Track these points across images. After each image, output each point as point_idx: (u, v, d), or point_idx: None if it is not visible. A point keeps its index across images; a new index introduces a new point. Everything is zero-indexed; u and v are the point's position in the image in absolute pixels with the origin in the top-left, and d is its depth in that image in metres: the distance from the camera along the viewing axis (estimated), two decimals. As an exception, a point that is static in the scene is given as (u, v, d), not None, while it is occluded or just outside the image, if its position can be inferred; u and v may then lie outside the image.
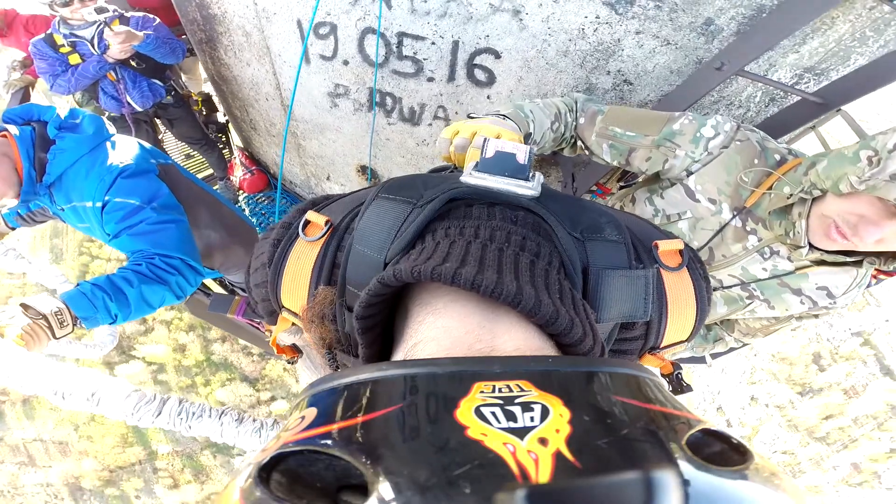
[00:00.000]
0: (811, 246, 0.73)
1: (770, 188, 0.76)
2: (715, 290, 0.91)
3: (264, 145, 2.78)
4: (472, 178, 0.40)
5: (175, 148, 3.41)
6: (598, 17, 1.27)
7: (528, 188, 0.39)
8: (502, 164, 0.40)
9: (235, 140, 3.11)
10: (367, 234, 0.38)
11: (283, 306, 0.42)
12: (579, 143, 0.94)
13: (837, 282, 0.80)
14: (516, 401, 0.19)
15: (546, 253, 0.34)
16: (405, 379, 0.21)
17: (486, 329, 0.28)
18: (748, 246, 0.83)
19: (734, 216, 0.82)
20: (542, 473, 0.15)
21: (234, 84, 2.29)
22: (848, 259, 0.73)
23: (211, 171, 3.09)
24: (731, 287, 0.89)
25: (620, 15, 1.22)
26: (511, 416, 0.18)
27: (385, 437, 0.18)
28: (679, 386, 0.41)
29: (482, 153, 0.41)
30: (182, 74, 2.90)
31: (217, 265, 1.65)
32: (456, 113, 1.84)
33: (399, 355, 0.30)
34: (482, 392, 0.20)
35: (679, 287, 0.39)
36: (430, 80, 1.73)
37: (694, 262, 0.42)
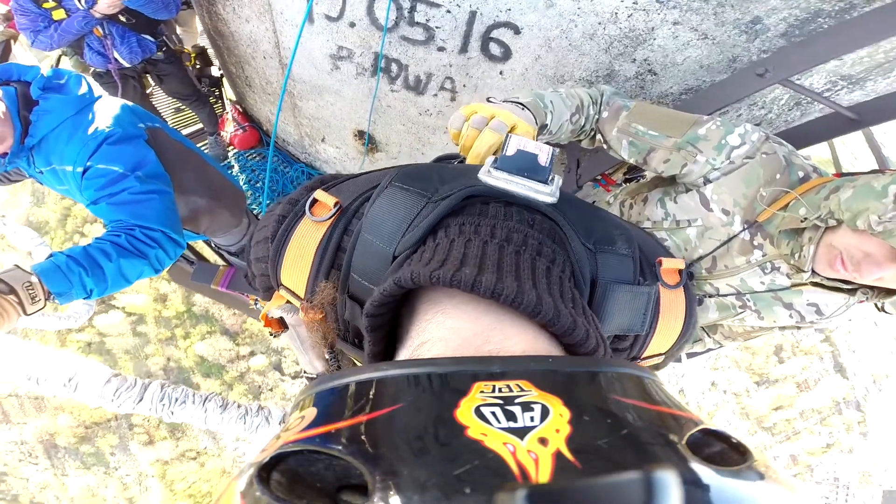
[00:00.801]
0: (813, 271, 0.72)
1: (786, 207, 0.74)
2: (710, 296, 0.91)
3: (259, 102, 2.59)
4: (490, 177, 0.38)
5: (164, 101, 3.17)
6: (635, 3, 1.14)
7: (547, 194, 0.37)
8: (523, 163, 0.38)
9: (229, 94, 2.89)
10: (378, 224, 0.36)
11: (282, 284, 0.41)
12: (599, 136, 0.89)
13: (828, 301, 0.80)
14: (516, 401, 0.19)
15: (560, 261, 0.33)
16: (405, 379, 0.21)
17: (496, 331, 0.27)
18: (752, 260, 0.82)
19: (744, 229, 0.80)
20: (542, 473, 0.15)
21: (230, 40, 2.09)
22: (843, 286, 0.73)
23: (201, 125, 2.91)
24: (726, 295, 0.89)
25: (661, 3, 1.10)
26: (511, 416, 0.18)
27: (385, 437, 0.18)
28: None
29: (503, 150, 0.39)
30: (178, 27, 2.63)
31: (203, 229, 1.59)
32: (464, 86, 1.72)
33: (405, 353, 0.29)
34: (482, 392, 0.19)
35: (673, 305, 0.40)
36: (441, 49, 1.58)
37: (688, 283, 0.42)
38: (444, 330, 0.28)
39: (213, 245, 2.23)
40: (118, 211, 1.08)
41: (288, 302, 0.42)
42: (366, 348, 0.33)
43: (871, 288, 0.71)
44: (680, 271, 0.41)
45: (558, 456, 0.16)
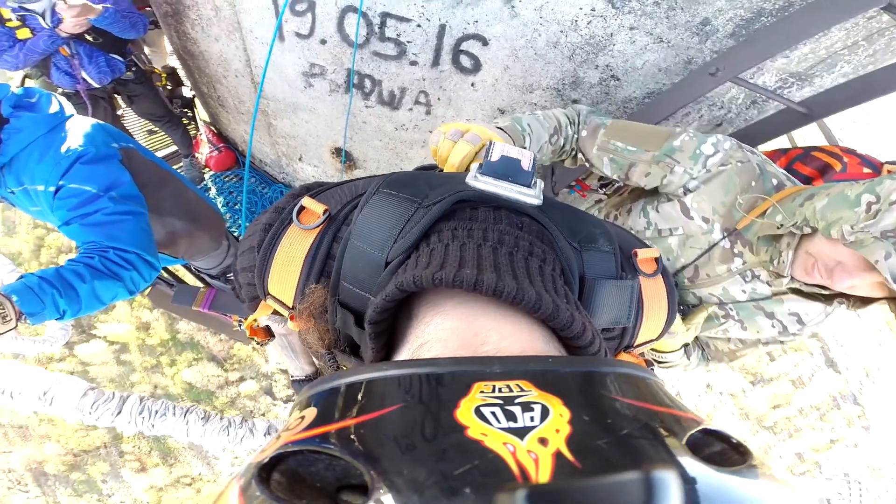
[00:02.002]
0: (792, 277, 0.73)
1: (763, 214, 0.75)
2: (693, 306, 0.92)
3: (233, 122, 2.56)
4: (477, 181, 0.39)
5: (136, 124, 3.10)
6: (593, 10, 1.19)
7: (531, 196, 0.38)
8: (507, 168, 0.39)
9: (202, 114, 2.85)
10: (368, 230, 0.36)
11: (269, 293, 0.40)
12: (580, 155, 0.91)
13: (808, 310, 0.82)
14: (516, 401, 0.19)
15: (551, 259, 0.34)
16: (405, 379, 0.21)
17: (493, 331, 0.27)
18: (732, 268, 0.83)
19: (724, 237, 0.82)
20: (542, 473, 0.15)
21: (201, 59, 2.08)
22: (822, 293, 0.73)
23: (175, 147, 2.85)
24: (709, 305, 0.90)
25: (617, 9, 1.16)
26: (511, 416, 0.18)
27: (385, 437, 0.18)
28: None
29: (487, 156, 0.40)
30: (146, 47, 2.62)
31: (181, 252, 1.54)
32: (438, 99, 1.74)
33: (404, 355, 0.29)
34: (482, 392, 0.19)
35: (654, 292, 0.42)
36: (413, 63, 1.61)
37: (666, 270, 0.44)
38: (443, 331, 0.28)
39: (192, 269, 2.17)
40: (91, 232, 1.05)
41: (275, 311, 0.42)
42: (367, 357, 0.33)
43: (847, 297, 0.71)
44: (656, 259, 0.43)
45: (558, 456, 0.16)
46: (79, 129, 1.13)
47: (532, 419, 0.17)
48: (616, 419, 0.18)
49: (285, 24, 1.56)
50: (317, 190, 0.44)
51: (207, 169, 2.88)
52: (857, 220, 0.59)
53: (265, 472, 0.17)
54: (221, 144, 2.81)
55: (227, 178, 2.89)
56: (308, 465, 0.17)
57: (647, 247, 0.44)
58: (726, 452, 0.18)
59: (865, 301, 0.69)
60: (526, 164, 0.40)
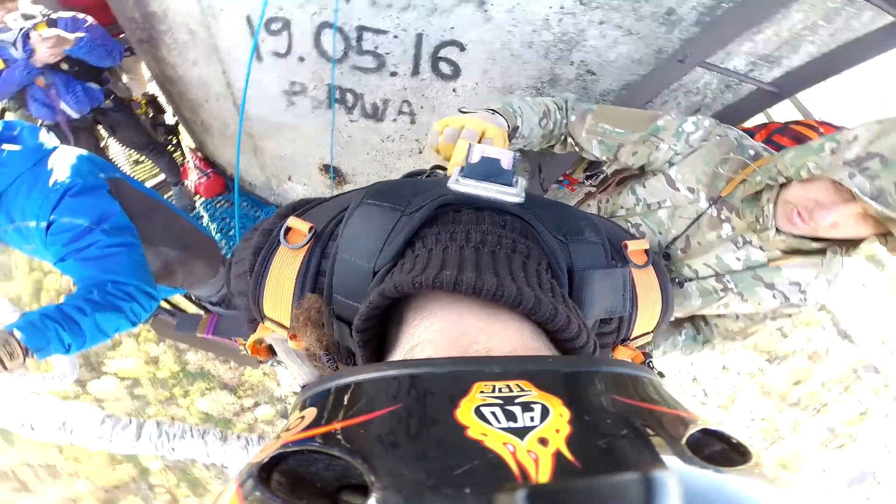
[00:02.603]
0: (778, 230, 0.75)
1: (744, 180, 0.79)
2: (690, 280, 0.92)
3: (219, 147, 2.56)
4: (459, 184, 0.39)
5: (121, 154, 3.08)
6: (562, 8, 1.23)
7: (513, 195, 0.39)
8: (487, 169, 0.40)
9: (188, 141, 2.84)
10: (355, 242, 0.36)
11: (266, 316, 0.40)
12: (569, 140, 0.95)
13: (808, 277, 0.82)
14: (516, 401, 0.19)
15: (535, 254, 0.34)
16: (405, 379, 0.21)
17: (482, 331, 0.27)
18: (722, 234, 0.86)
19: (710, 205, 0.85)
20: (542, 473, 0.15)
21: (180, 84, 2.08)
22: (813, 245, 0.75)
23: (163, 176, 2.83)
24: (706, 278, 0.90)
25: (585, 5, 1.19)
26: (511, 416, 0.18)
27: (385, 436, 0.18)
28: None
29: (468, 159, 0.41)
30: (123, 75, 2.60)
31: (179, 282, 1.53)
32: (421, 107, 1.76)
33: (396, 358, 0.29)
34: (482, 392, 0.19)
35: (646, 283, 0.42)
36: (394, 74, 1.63)
37: (658, 260, 0.44)
38: (433, 333, 0.28)
39: (193, 298, 2.16)
40: (87, 267, 1.05)
41: (273, 333, 0.42)
42: (359, 364, 0.33)
43: (839, 244, 0.73)
44: (646, 251, 0.43)
45: (558, 456, 0.16)
46: (64, 160, 1.12)
47: (532, 419, 0.17)
48: (616, 419, 0.18)
49: (262, 43, 1.57)
50: (303, 208, 0.44)
51: (198, 196, 2.86)
52: (821, 160, 0.65)
53: (265, 472, 0.17)
54: (210, 170, 2.79)
55: (218, 205, 2.86)
56: (308, 465, 0.17)
57: (637, 238, 0.45)
58: (726, 452, 0.18)
59: (854, 243, 0.71)
60: (506, 163, 0.40)
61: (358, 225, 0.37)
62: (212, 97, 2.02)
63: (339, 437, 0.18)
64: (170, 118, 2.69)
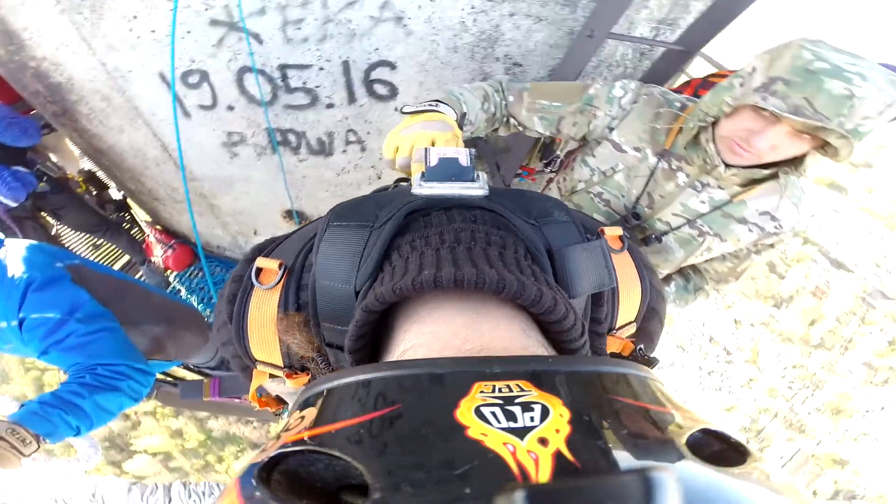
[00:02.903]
0: (727, 165, 0.78)
1: (680, 129, 0.82)
2: (665, 233, 0.92)
3: (174, 214, 2.44)
4: (422, 189, 0.38)
5: (76, 240, 2.86)
6: (473, 7, 1.20)
7: (477, 188, 0.38)
8: (447, 169, 0.39)
9: (142, 215, 2.73)
10: (330, 267, 0.34)
11: (257, 360, 0.39)
12: (512, 121, 0.94)
13: (773, 203, 0.83)
14: (516, 401, 0.18)
15: (511, 243, 0.33)
16: (405, 379, 0.20)
17: (472, 329, 0.26)
18: (679, 183, 0.87)
19: (659, 159, 0.86)
20: (542, 473, 0.15)
21: (113, 155, 1.90)
22: (765, 172, 0.78)
23: (128, 256, 2.61)
24: (680, 227, 0.90)
25: (492, 1, 1.17)
26: (511, 416, 0.17)
27: (385, 437, 0.17)
28: (644, 361, 0.40)
29: (426, 163, 0.40)
30: (50, 154, 2.35)
31: (173, 355, 1.47)
32: (368, 133, 1.70)
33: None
34: (482, 392, 0.19)
35: (624, 268, 0.40)
36: (330, 106, 1.57)
37: (633, 247, 0.43)
38: (423, 336, 0.27)
39: (191, 367, 2.09)
40: (71, 355, 1.03)
41: (271, 375, 0.40)
42: None
43: (784, 164, 0.76)
44: (620, 237, 0.42)
45: (558, 456, 0.15)
46: (15, 254, 1.06)
47: (532, 419, 0.17)
48: (616, 419, 0.18)
49: (185, 99, 1.44)
50: (269, 248, 0.42)
51: (169, 271, 2.63)
52: (734, 94, 0.71)
53: (265, 472, 0.16)
54: (173, 241, 2.56)
55: (192, 275, 2.64)
56: (308, 465, 0.17)
57: (614, 217, 0.41)
58: (726, 452, 0.18)
59: (799, 160, 0.74)
60: (464, 160, 0.40)
61: (330, 249, 0.35)
62: (150, 163, 1.85)
63: (340, 437, 0.17)
64: (115, 193, 2.55)
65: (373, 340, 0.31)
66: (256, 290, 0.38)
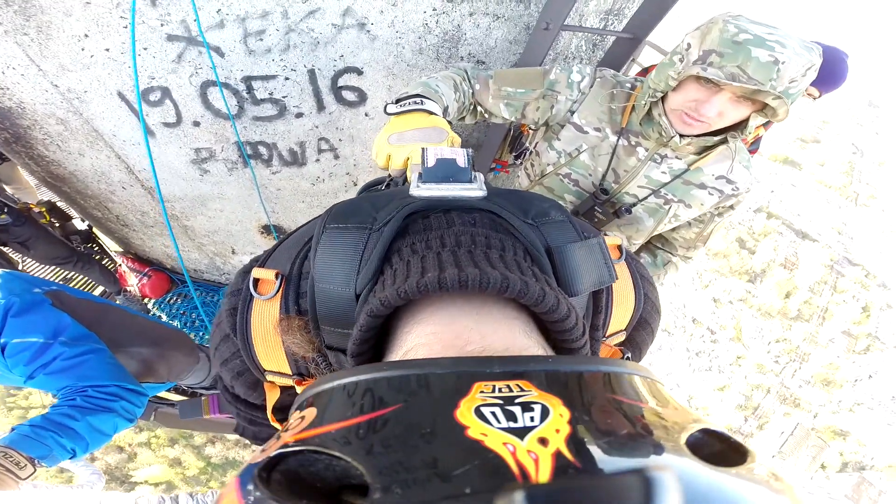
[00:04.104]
0: (681, 136, 0.83)
1: (633, 107, 0.88)
2: (634, 205, 0.97)
3: (146, 240, 2.34)
4: (420, 190, 0.38)
5: (46, 274, 2.73)
6: (434, 9, 1.22)
7: (475, 189, 0.38)
8: (445, 170, 0.39)
9: (110, 244, 2.61)
10: (329, 270, 0.34)
11: (266, 370, 0.39)
12: (479, 108, 0.96)
13: (726, 167, 0.90)
14: (516, 401, 0.18)
15: (510, 245, 0.33)
16: (406, 379, 0.20)
17: (474, 331, 0.27)
18: (640, 157, 0.92)
19: (618, 137, 0.91)
20: (542, 473, 0.14)
21: (75, 181, 1.81)
22: (715, 139, 0.83)
23: (101, 287, 2.48)
24: (647, 198, 0.96)
25: (452, 2, 1.19)
26: (511, 416, 0.17)
27: (385, 436, 0.17)
28: None
29: (423, 163, 0.40)
30: (5, 187, 2.24)
31: (165, 376, 1.44)
32: (340, 140, 1.69)
33: None
34: (482, 392, 0.19)
35: (620, 277, 0.41)
36: (299, 115, 1.56)
37: (630, 257, 0.43)
38: (425, 336, 0.27)
39: (185, 389, 2.06)
40: (59, 379, 1.02)
41: (282, 387, 0.40)
42: None
43: (731, 129, 0.81)
44: (619, 247, 0.42)
45: (558, 456, 0.15)
46: None
47: (532, 419, 0.17)
48: (616, 419, 0.18)
49: (148, 117, 1.40)
50: (264, 258, 0.42)
51: (147, 299, 2.52)
52: (676, 69, 0.76)
53: (265, 472, 0.16)
54: (147, 269, 2.45)
55: (171, 301, 2.54)
56: (308, 465, 0.17)
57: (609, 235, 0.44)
58: (726, 453, 0.18)
59: (743, 124, 0.79)
60: (461, 161, 0.39)
61: (328, 252, 0.34)
62: (116, 187, 1.78)
63: (340, 436, 0.17)
64: (80, 224, 2.34)
65: (375, 344, 0.31)
66: (256, 301, 0.38)
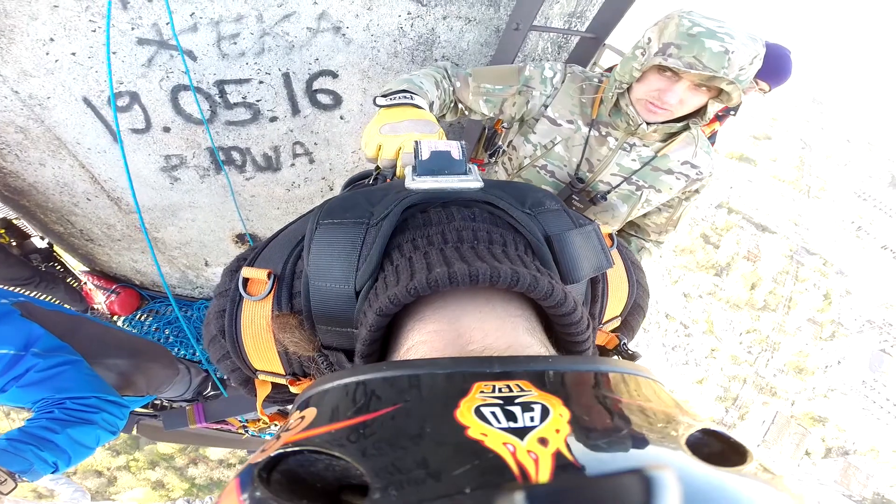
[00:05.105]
0: (647, 123, 0.89)
1: (602, 100, 0.94)
2: (608, 192, 1.02)
3: (113, 255, 2.25)
4: (416, 183, 0.37)
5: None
6: (409, 13, 1.27)
7: (472, 181, 0.38)
8: (440, 162, 0.39)
9: (72, 262, 2.48)
10: (325, 267, 0.33)
11: (257, 369, 0.39)
12: (460, 105, 1.00)
13: (689, 152, 0.97)
14: (516, 401, 0.18)
15: (511, 240, 0.33)
16: (406, 379, 0.20)
17: (476, 329, 0.27)
18: (611, 146, 0.98)
19: (590, 129, 0.97)
20: (542, 473, 0.14)
21: (35, 193, 1.73)
22: (678, 126, 0.90)
23: (67, 307, 2.42)
24: (619, 185, 1.01)
25: (426, 6, 1.25)
26: (511, 416, 0.17)
27: (385, 436, 0.17)
28: (627, 356, 0.41)
29: (418, 156, 0.39)
30: None
31: (144, 389, 1.41)
32: (315, 144, 1.70)
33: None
34: (482, 392, 0.19)
35: (615, 264, 0.41)
36: (274, 119, 1.56)
37: (622, 245, 0.44)
38: (427, 334, 0.27)
39: (164, 403, 2.00)
40: (34, 391, 1.00)
41: (273, 384, 0.40)
42: None
43: (692, 116, 0.89)
44: (610, 235, 0.43)
45: (558, 456, 0.15)
46: None
47: (532, 419, 0.17)
48: (616, 419, 0.18)
49: (112, 124, 1.38)
50: (252, 256, 0.40)
51: (116, 317, 2.40)
52: (639, 61, 0.82)
53: (265, 472, 0.16)
54: (114, 286, 2.35)
55: (142, 317, 2.44)
56: (308, 465, 0.17)
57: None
58: (726, 453, 0.18)
59: (702, 110, 0.86)
60: (456, 153, 0.39)
61: (323, 248, 0.34)
62: (80, 198, 1.71)
63: (340, 437, 0.17)
64: (39, 242, 2.31)
65: (382, 341, 0.31)
66: (247, 302, 0.37)
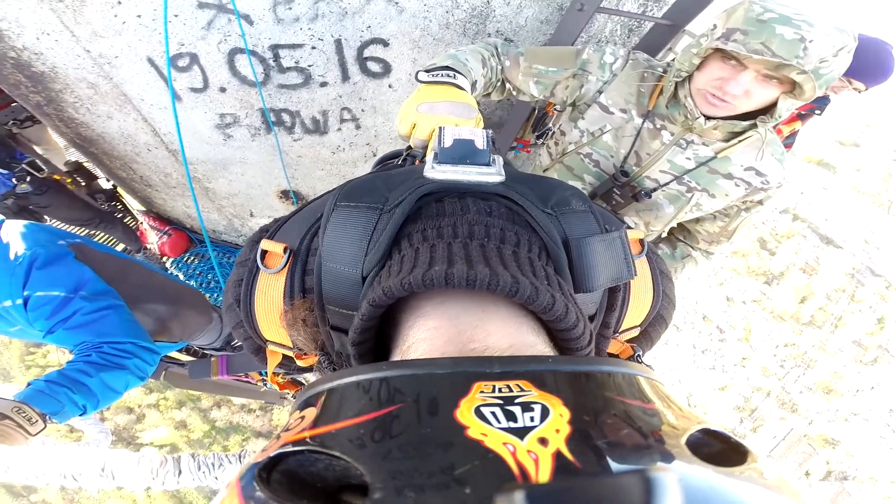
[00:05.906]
0: (707, 117, 0.81)
1: (661, 91, 0.87)
2: (654, 189, 0.95)
3: (168, 200, 2.42)
4: (435, 171, 0.36)
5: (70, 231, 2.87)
6: (466, -16, 1.21)
7: (493, 174, 0.36)
8: (462, 151, 0.37)
9: (133, 203, 2.70)
10: (337, 250, 0.33)
11: (268, 340, 0.39)
12: (507, 85, 0.95)
13: (756, 158, 0.87)
14: (516, 401, 0.18)
15: (525, 241, 0.32)
16: (406, 379, 0.20)
17: (479, 328, 0.26)
18: (665, 141, 0.91)
19: (644, 120, 0.91)
20: (542, 473, 0.15)
21: (102, 143, 1.86)
22: (744, 124, 0.80)
23: (123, 245, 2.58)
24: (668, 184, 0.94)
25: (485, -24, 1.17)
26: (511, 416, 0.17)
27: (385, 437, 0.17)
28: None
29: (440, 143, 0.38)
30: (35, 147, 2.28)
31: (178, 335, 1.47)
32: (362, 110, 1.71)
33: (394, 359, 0.28)
34: (482, 392, 0.19)
35: (640, 273, 0.39)
36: (324, 84, 1.57)
37: (652, 252, 0.42)
38: (427, 332, 0.27)
39: (195, 350, 2.11)
40: (78, 334, 1.01)
41: (284, 356, 0.40)
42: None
43: (760, 113, 0.79)
44: (640, 241, 0.41)
45: (558, 456, 0.15)
46: (15, 233, 1.03)
47: (532, 419, 0.17)
48: (616, 419, 0.18)
49: (175, 82, 1.43)
50: (273, 229, 0.41)
51: (165, 257, 2.63)
52: (700, 48, 0.75)
53: (265, 472, 0.16)
54: (168, 227, 2.56)
55: (189, 261, 2.64)
56: (308, 465, 0.17)
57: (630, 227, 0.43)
58: (726, 453, 0.18)
59: (772, 107, 0.76)
60: (480, 142, 0.37)
61: (337, 231, 0.34)
62: (141, 148, 1.84)
63: (340, 437, 0.17)
64: (105, 183, 2.41)
65: (377, 331, 0.30)
66: (262, 274, 0.37)
